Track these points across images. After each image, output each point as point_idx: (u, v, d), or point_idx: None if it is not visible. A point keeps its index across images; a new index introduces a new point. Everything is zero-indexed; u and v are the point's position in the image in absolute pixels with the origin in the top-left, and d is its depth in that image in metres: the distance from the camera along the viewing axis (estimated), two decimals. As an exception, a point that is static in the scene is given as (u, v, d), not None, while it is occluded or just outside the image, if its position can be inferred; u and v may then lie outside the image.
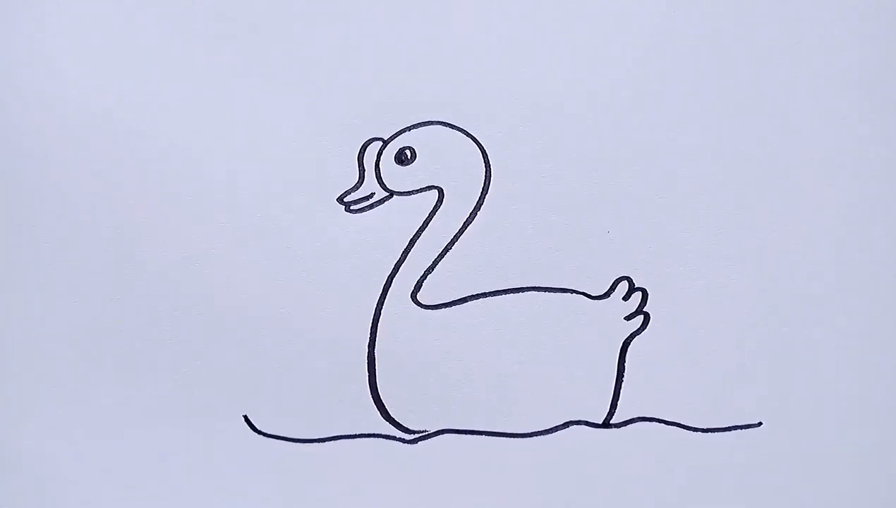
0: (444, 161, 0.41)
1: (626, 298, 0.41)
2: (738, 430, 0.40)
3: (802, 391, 0.41)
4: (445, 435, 0.40)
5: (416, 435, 0.40)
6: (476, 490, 0.40)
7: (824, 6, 0.42)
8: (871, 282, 0.41)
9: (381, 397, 0.40)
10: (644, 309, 0.41)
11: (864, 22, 0.42)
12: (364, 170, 0.41)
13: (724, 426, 0.40)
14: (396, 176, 0.41)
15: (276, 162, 0.41)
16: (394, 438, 0.40)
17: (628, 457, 0.40)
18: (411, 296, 0.40)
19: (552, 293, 0.41)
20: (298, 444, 0.40)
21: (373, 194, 0.41)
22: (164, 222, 0.41)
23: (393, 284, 0.40)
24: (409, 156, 0.41)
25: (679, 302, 0.41)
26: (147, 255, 0.41)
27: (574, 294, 0.41)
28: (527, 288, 0.41)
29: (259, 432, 0.40)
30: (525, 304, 0.41)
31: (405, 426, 0.40)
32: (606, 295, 0.41)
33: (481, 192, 0.41)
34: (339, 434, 0.40)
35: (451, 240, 0.41)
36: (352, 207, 0.41)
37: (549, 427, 0.40)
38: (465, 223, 0.41)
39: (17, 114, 0.42)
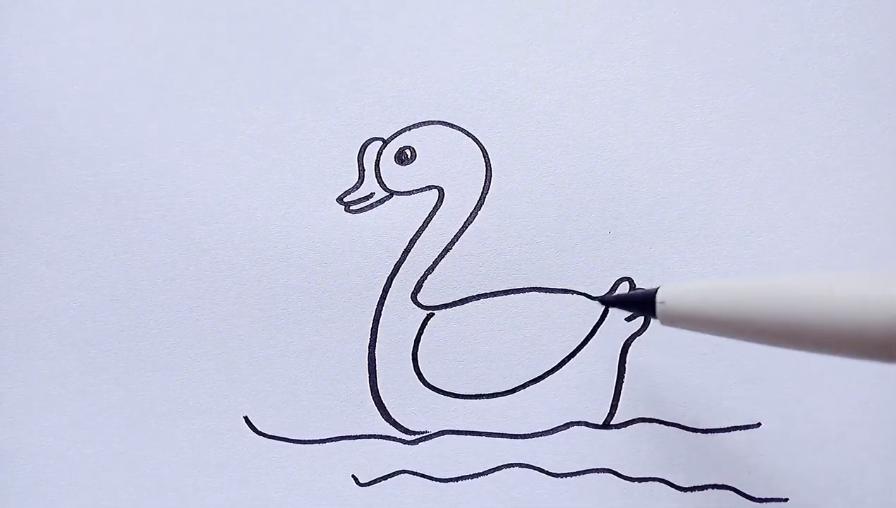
0: (445, 161, 0.41)
1: (626, 299, 0.41)
2: (738, 430, 0.40)
3: (802, 391, 0.41)
4: (446, 436, 0.40)
5: (417, 436, 0.40)
6: (477, 491, 0.40)
7: (824, 6, 0.42)
8: (871, 283, 0.41)
9: (382, 398, 0.40)
10: (645, 310, 0.41)
11: (863, 22, 0.42)
12: (364, 170, 0.41)
13: (723, 426, 0.40)
14: (396, 176, 0.41)
15: (275, 162, 0.41)
16: (394, 439, 0.40)
17: (628, 458, 0.40)
18: (411, 297, 0.40)
19: (553, 293, 0.41)
20: (299, 445, 0.40)
21: (373, 194, 0.41)
22: (164, 222, 0.41)
23: (393, 285, 0.40)
24: (409, 156, 0.41)
25: (680, 303, 0.41)
26: (147, 255, 0.41)
27: (575, 294, 0.41)
28: (527, 288, 0.41)
29: (259, 433, 0.40)
30: (525, 305, 0.41)
31: (406, 427, 0.40)
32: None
33: (481, 192, 0.41)
34: (339, 435, 0.40)
35: (452, 240, 0.41)
36: (352, 207, 0.41)
37: (549, 428, 0.40)
38: (465, 223, 0.41)
39: (17, 113, 0.41)
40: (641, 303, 0.35)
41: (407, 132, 0.41)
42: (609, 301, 0.40)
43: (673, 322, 0.34)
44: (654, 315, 0.34)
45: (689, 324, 0.33)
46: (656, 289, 0.34)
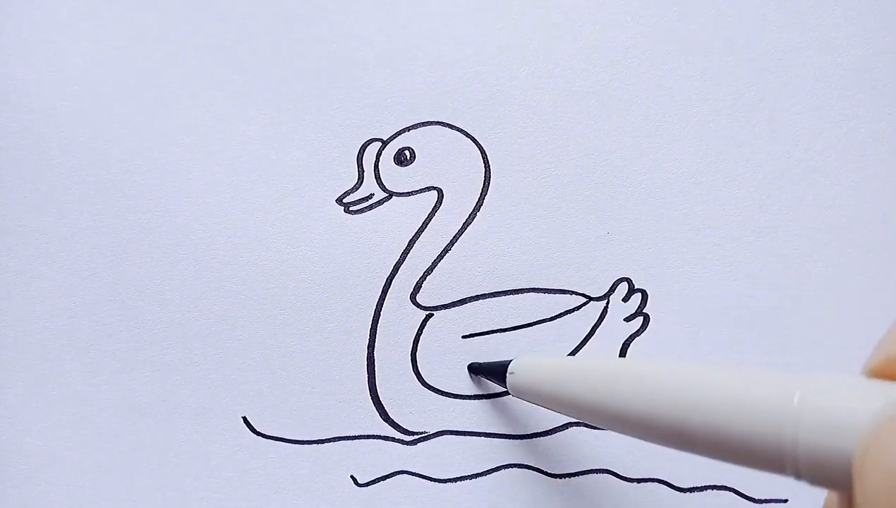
0: (444, 161, 0.41)
1: (625, 299, 0.41)
2: (738, 431, 0.40)
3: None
4: (445, 436, 0.40)
5: (416, 437, 0.40)
6: (476, 491, 0.40)
7: (824, 6, 0.42)
8: (870, 283, 0.41)
9: (381, 398, 0.40)
10: (644, 311, 0.41)
11: (863, 22, 0.42)
12: (363, 171, 0.41)
13: (723, 426, 0.40)
14: (396, 176, 0.41)
15: (274, 162, 0.41)
16: (393, 439, 0.40)
17: (628, 458, 0.40)
18: (411, 298, 0.40)
19: (552, 294, 0.41)
20: (297, 445, 0.40)
21: (372, 195, 0.41)
22: (164, 222, 0.41)
23: (392, 285, 0.40)
24: (408, 157, 0.41)
25: (679, 304, 0.41)
26: (146, 255, 0.41)
27: (574, 295, 0.41)
28: (527, 289, 0.41)
29: (258, 433, 0.40)
30: (525, 305, 0.41)
31: (405, 427, 0.40)
32: (606, 296, 0.41)
33: (481, 193, 0.41)
34: (338, 435, 0.40)
35: (451, 241, 0.41)
36: (351, 208, 0.41)
37: (549, 429, 0.40)
38: (464, 224, 0.41)
39: (17, 113, 0.41)
40: (496, 373, 0.37)
41: (406, 133, 0.41)
42: (474, 369, 0.40)
43: (519, 394, 0.35)
44: (504, 385, 0.36)
45: (533, 398, 0.34)
46: (509, 361, 0.36)
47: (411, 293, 0.40)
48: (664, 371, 0.26)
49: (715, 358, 0.40)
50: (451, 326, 0.40)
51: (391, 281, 0.41)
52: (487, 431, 0.40)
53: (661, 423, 0.24)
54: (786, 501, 0.40)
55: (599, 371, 0.28)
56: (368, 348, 0.40)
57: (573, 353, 0.40)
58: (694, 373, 0.24)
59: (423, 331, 0.40)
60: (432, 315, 0.40)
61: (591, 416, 0.29)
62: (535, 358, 0.35)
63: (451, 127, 0.41)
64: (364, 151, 0.41)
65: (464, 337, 0.40)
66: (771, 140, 0.41)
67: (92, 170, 0.41)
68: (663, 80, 0.42)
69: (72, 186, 0.41)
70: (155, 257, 0.41)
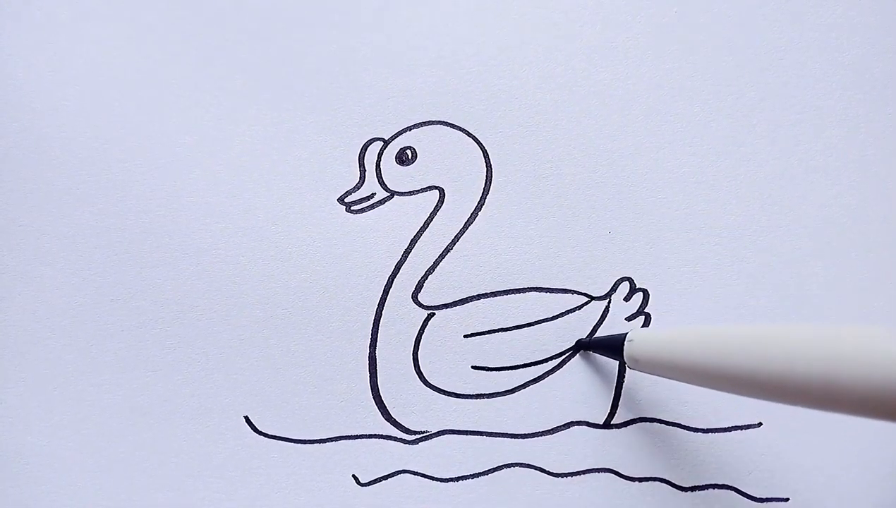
0: (446, 161, 0.41)
1: (627, 299, 0.41)
2: (739, 430, 0.40)
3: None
4: (446, 436, 0.40)
5: (418, 436, 0.40)
6: (477, 491, 0.40)
7: (824, 6, 0.42)
8: (869, 282, 0.41)
9: (383, 398, 0.40)
10: (645, 310, 0.41)
11: (863, 22, 0.42)
12: (365, 171, 0.41)
13: (724, 426, 0.40)
14: (397, 176, 0.41)
15: (276, 162, 0.41)
16: (395, 439, 0.40)
17: (629, 458, 0.40)
18: (412, 297, 0.40)
19: (553, 293, 0.41)
20: (300, 445, 0.40)
21: (374, 194, 0.41)
22: (165, 222, 0.41)
23: (394, 285, 0.40)
24: (409, 157, 0.41)
25: (680, 303, 0.41)
26: (148, 255, 0.41)
27: (575, 294, 0.41)
28: (528, 288, 0.41)
29: (260, 432, 0.40)
30: (525, 305, 0.41)
31: (406, 426, 0.40)
32: (607, 295, 0.41)
33: (482, 192, 0.41)
34: (340, 434, 0.40)
35: (452, 240, 0.41)
36: (353, 208, 0.41)
37: (550, 428, 0.40)
38: (466, 223, 0.41)
39: (19, 114, 0.41)
40: (611, 347, 0.37)
41: (408, 132, 0.41)
42: (583, 345, 0.40)
43: (638, 363, 0.35)
44: (622, 358, 0.36)
45: (655, 368, 0.33)
46: (622, 334, 0.36)
47: (413, 292, 0.40)
48: (809, 333, 0.25)
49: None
50: (452, 325, 0.40)
51: (393, 280, 0.41)
52: (489, 430, 0.40)
53: (814, 385, 0.24)
54: (787, 500, 0.40)
55: (743, 337, 0.28)
56: (370, 347, 0.40)
57: (574, 353, 0.40)
58: (843, 335, 0.24)
59: (425, 331, 0.40)
60: (434, 314, 0.40)
61: (731, 384, 0.28)
62: (657, 329, 0.34)
63: (453, 126, 0.41)
64: (365, 151, 0.41)
65: (465, 336, 0.40)
66: (771, 139, 0.41)
67: (93, 170, 0.41)
68: (663, 79, 0.42)
69: (73, 186, 0.41)
70: (156, 257, 0.41)
